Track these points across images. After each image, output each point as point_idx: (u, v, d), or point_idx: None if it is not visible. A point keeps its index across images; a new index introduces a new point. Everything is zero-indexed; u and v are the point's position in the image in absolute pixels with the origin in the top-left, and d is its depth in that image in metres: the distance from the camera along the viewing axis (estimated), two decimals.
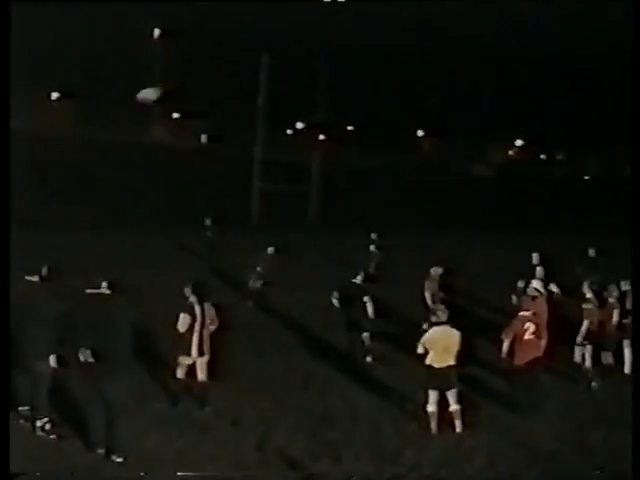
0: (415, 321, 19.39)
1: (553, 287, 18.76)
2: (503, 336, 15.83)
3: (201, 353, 15.41)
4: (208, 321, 15.41)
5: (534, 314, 16.05)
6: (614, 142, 59.81)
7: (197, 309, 15.35)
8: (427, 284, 20.84)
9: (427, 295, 20.67)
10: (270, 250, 24.38)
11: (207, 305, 15.52)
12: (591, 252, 23.60)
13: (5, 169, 11.85)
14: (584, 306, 17.60)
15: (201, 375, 15.51)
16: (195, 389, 15.49)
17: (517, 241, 34.36)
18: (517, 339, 15.64)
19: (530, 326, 15.70)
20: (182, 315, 15.28)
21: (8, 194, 11.78)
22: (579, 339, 17.49)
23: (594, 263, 22.52)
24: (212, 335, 15.60)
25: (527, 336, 15.64)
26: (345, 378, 17.40)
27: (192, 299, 15.49)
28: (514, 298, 18.60)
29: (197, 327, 15.28)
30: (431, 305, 20.20)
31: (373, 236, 28.25)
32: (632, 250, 14.67)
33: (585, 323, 17.43)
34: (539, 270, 20.23)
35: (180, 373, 15.56)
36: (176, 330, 15.30)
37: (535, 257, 21.28)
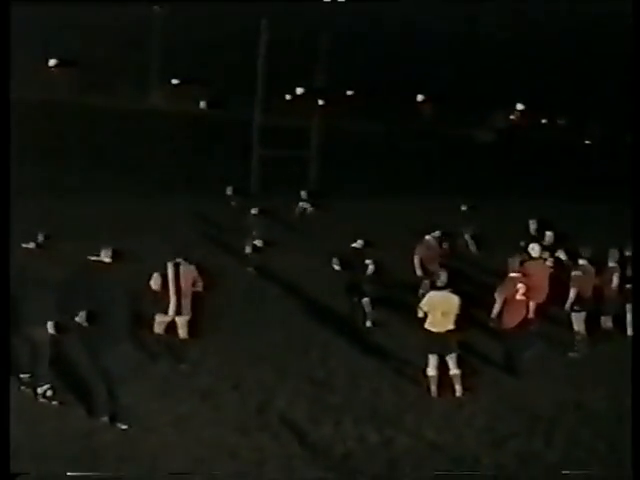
0: (415, 286, 19.44)
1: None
2: (496, 295, 15.84)
3: (179, 312, 15.54)
4: (185, 281, 15.49)
5: (524, 275, 16.04)
6: (615, 107, 59.72)
7: (170, 268, 15.44)
8: (418, 249, 20.61)
9: (416, 261, 20.42)
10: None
11: (186, 266, 15.59)
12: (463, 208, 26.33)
13: (5, 136, 11.81)
14: (573, 273, 17.48)
15: (182, 333, 15.67)
16: (186, 348, 15.68)
17: (517, 205, 34.34)
18: (508, 300, 15.64)
19: (521, 287, 15.72)
20: (155, 274, 15.48)
21: (8, 161, 11.75)
22: (567, 306, 17.38)
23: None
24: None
25: (518, 297, 15.66)
26: (345, 343, 17.45)
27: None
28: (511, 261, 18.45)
29: (172, 286, 15.39)
30: (419, 272, 20.13)
31: (303, 194, 29.94)
32: (632, 215, 14.64)
33: (572, 291, 17.31)
34: (537, 235, 20.19)
35: (158, 329, 15.68)
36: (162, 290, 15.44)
37: (532, 223, 21.24)
